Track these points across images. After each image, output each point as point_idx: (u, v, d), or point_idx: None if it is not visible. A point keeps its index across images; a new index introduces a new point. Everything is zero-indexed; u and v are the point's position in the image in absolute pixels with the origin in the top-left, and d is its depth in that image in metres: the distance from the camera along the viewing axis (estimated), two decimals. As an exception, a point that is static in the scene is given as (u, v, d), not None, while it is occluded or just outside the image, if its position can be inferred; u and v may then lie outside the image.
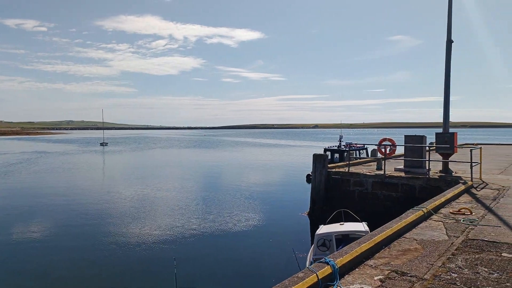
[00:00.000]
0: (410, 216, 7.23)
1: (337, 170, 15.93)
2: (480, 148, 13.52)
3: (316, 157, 16.05)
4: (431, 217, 7.71)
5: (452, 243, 5.95)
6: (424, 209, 7.77)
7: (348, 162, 16.29)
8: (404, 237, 6.38)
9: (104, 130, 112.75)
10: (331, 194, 15.76)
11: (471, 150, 12.40)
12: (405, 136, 15.44)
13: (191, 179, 30.04)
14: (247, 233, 14.61)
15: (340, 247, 9.87)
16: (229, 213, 17.60)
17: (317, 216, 15.45)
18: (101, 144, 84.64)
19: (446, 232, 6.61)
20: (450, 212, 8.02)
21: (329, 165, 16.79)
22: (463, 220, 7.33)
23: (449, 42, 14.42)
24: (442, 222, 7.32)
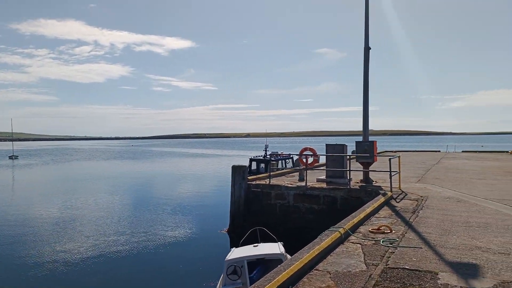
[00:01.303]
0: (325, 240, 6.15)
1: (257, 182, 14.81)
2: (399, 156, 13.30)
3: (235, 169, 14.80)
4: (349, 238, 6.73)
5: (370, 276, 4.92)
6: (341, 229, 6.78)
7: (269, 174, 15.29)
8: (316, 269, 5.24)
9: (19, 142, 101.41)
10: (251, 208, 14.59)
11: (389, 159, 12.01)
12: (326, 145, 14.85)
13: (98, 194, 27.01)
14: (154, 257, 12.76)
15: (254, 272, 8.61)
16: (136, 233, 15.55)
17: (238, 233, 14.14)
18: (10, 157, 75.50)
19: (364, 258, 5.61)
20: (370, 231, 7.15)
21: (249, 177, 15.65)
22: (382, 241, 6.44)
23: (367, 49, 14.18)
24: (360, 244, 6.36)
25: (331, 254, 5.85)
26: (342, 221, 7.49)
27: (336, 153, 14.47)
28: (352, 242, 6.50)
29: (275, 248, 8.65)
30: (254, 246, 9.02)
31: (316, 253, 5.55)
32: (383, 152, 37.28)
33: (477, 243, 6.33)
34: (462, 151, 38.83)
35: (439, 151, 40.16)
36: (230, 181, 14.84)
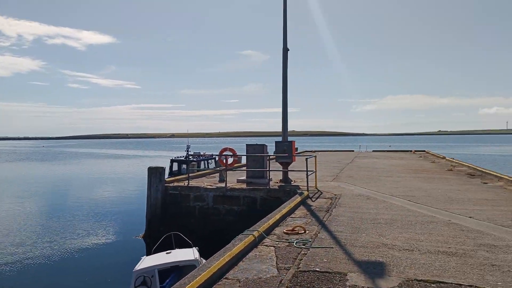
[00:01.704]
0: (238, 245, 5.85)
1: (175, 184, 14.12)
2: (315, 156, 13.63)
3: (151, 170, 13.94)
4: (263, 241, 6.52)
5: (280, 281, 4.71)
6: (255, 232, 6.54)
7: (188, 175, 14.68)
8: (226, 278, 4.89)
9: None
10: (169, 212, 13.86)
11: (306, 159, 12.22)
12: (247, 145, 14.72)
13: None
14: (56, 270, 11.41)
15: (167, 281, 8.02)
16: (38, 243, 13.86)
17: (154, 238, 13.32)
18: None
19: (277, 262, 5.40)
20: (284, 232, 7.02)
21: (168, 179, 14.90)
22: (296, 243, 6.33)
23: (285, 50, 14.33)
24: (274, 247, 6.17)
25: (243, 259, 5.56)
26: (257, 224, 7.27)
27: (256, 153, 14.41)
28: (266, 245, 6.29)
29: (189, 254, 8.17)
30: (167, 253, 8.44)
31: (227, 260, 5.21)
32: (303, 152, 38.67)
33: (384, 240, 6.53)
34: (373, 151, 41.86)
35: (353, 150, 42.85)
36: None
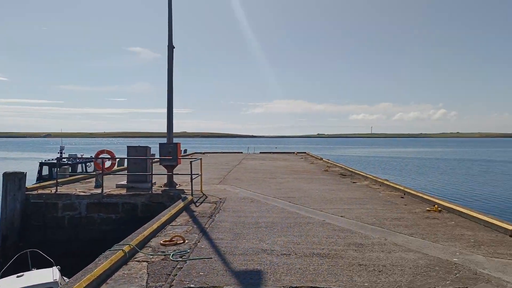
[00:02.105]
0: (102, 263, 5.09)
1: (40, 192, 12.24)
2: (201, 158, 13.26)
3: (7, 176, 11.83)
4: (136, 256, 5.86)
5: (149, 304, 4.17)
6: (126, 246, 5.83)
7: (56, 181, 12.88)
8: (83, 306, 4.14)
9: None
10: (31, 224, 11.94)
11: (191, 162, 11.76)
12: (128, 147, 13.58)
13: None
14: None
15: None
16: None
17: (11, 257, 11.31)
18: None
19: (147, 281, 4.83)
20: (161, 244, 6.45)
21: (30, 186, 12.88)
22: (172, 255, 5.83)
23: (171, 47, 13.65)
24: (147, 262, 5.57)
25: (107, 281, 4.84)
26: (130, 236, 6.54)
27: (138, 155, 13.39)
28: (138, 261, 5.65)
29: (47, 275, 6.98)
30: (18, 276, 7.08)
31: (85, 284, 4.44)
32: (192, 154, 38.07)
33: (263, 246, 6.47)
34: (260, 152, 43.46)
35: (242, 152, 43.85)
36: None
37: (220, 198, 11.37)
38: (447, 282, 4.83)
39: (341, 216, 8.92)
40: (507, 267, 5.34)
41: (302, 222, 8.35)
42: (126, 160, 15.35)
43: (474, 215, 8.33)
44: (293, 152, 42.28)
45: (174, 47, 13.70)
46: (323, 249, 6.30)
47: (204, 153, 40.88)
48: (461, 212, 8.86)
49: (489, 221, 7.70)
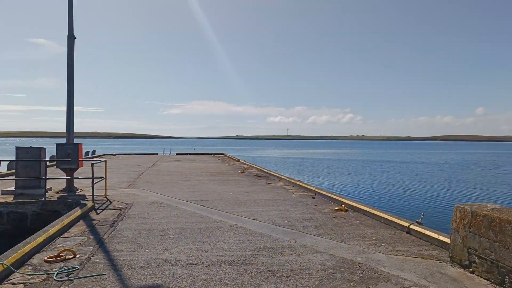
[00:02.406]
0: (-40, 292, 4.12)
1: None
2: (105, 160, 12.13)
3: None
4: (10, 277, 4.91)
5: None
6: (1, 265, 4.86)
7: None
8: None
9: None
10: None
11: (92, 164, 10.64)
12: (17, 148, 11.87)
13: None
14: None
15: None
16: None
17: None
18: None
19: (20, 309, 4.02)
20: (46, 260, 5.55)
21: None
22: (57, 274, 5.01)
23: (71, 37, 12.30)
24: (24, 284, 4.69)
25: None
26: (5, 252, 5.51)
27: (30, 157, 11.78)
28: (13, 283, 4.73)
29: None
30: None
31: None
32: (102, 155, 35.43)
33: (168, 256, 5.94)
34: (177, 154, 42.18)
35: (157, 153, 42.08)
36: None
37: (127, 204, 10.47)
38: (351, 284, 4.85)
39: (254, 219, 8.76)
40: (405, 264, 5.60)
41: (213, 227, 7.99)
42: (15, 163, 13.43)
43: (376, 213, 8.79)
44: (211, 154, 41.83)
45: (75, 38, 12.37)
46: (232, 255, 6.00)
47: (115, 154, 38.34)
48: (365, 211, 9.31)
49: (389, 218, 8.16)
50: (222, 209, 10.00)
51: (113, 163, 25.73)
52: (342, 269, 5.39)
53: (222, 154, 41.64)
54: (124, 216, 8.83)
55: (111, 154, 37.97)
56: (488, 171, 44.16)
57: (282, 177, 17.49)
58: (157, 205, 10.37)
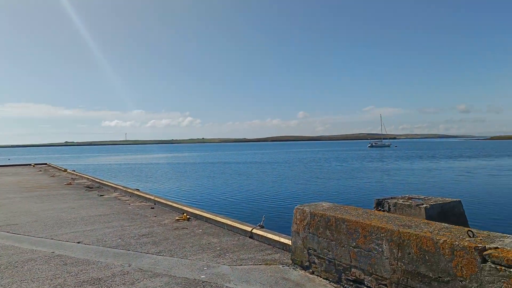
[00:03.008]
0: None
1: None
2: None
3: None
4: None
5: None
6: None
7: None
8: None
9: None
10: None
11: None
12: None
13: None
14: None
15: None
16: None
17: None
18: None
19: None
20: None
21: None
22: None
23: None
24: None
25: None
26: None
27: None
28: None
29: None
30: None
31: None
32: None
33: None
34: (-19, 166, 34.19)
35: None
36: None
37: None
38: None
39: (78, 242, 7.26)
40: (250, 275, 5.30)
41: (21, 260, 6.21)
42: None
43: (219, 220, 8.47)
44: (30, 164, 35.47)
45: None
46: (42, 299, 4.61)
47: None
48: (208, 218, 8.90)
49: (232, 224, 7.92)
50: (36, 234, 8.05)
51: None
52: (185, 293, 4.71)
53: (45, 164, 35.85)
54: None
55: None
56: (315, 167, 50.88)
57: (117, 186, 15.78)
58: None
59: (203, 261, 5.98)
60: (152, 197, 12.39)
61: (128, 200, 12.91)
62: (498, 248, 3.29)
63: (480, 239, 3.56)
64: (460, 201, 7.88)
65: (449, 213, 7.89)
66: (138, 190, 14.96)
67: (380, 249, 4.21)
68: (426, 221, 4.38)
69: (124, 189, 14.94)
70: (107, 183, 17.34)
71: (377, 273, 4.26)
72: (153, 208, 11.18)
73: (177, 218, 9.37)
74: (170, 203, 11.11)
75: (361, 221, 4.47)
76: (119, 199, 13.21)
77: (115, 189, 15.58)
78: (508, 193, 23.47)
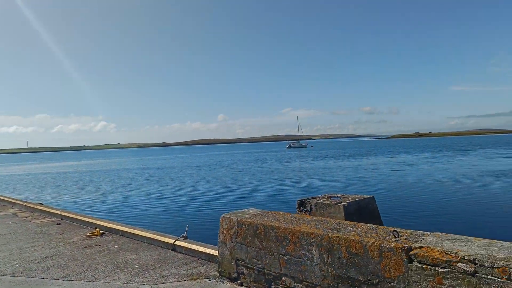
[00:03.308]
0: None
1: None
2: None
3: None
4: None
5: None
6: None
7: None
8: None
9: None
10: None
11: None
12: None
13: None
14: None
15: None
16: None
17: None
18: None
19: None
20: None
21: None
22: None
23: None
24: None
25: None
26: None
27: None
28: None
29: None
30: None
31: None
32: None
33: None
34: None
35: None
36: None
37: None
38: None
39: (-39, 274, 6.05)
40: (174, 293, 4.86)
41: None
42: None
43: (137, 233, 7.78)
44: None
45: None
46: None
47: None
48: (124, 231, 8.14)
49: (152, 237, 7.32)
50: None
51: None
52: (98, 324, 4.10)
53: None
54: None
55: None
56: (236, 170, 50.92)
57: (16, 201, 13.88)
58: None
59: (119, 282, 5.36)
60: (59, 212, 11.06)
61: (29, 216, 11.37)
62: (423, 247, 3.37)
63: (405, 239, 3.63)
64: (373, 197, 8.32)
65: (364, 209, 8.28)
66: (42, 204, 13.33)
67: (310, 255, 4.11)
68: (352, 223, 4.39)
69: (24, 203, 13.16)
70: (3, 197, 15.16)
71: (307, 280, 4.15)
72: (59, 224, 9.96)
73: (88, 234, 8.42)
74: (80, 217, 9.99)
75: (290, 227, 4.33)
76: (17, 215, 11.59)
77: (13, 204, 13.68)
78: (409, 187, 25.99)
